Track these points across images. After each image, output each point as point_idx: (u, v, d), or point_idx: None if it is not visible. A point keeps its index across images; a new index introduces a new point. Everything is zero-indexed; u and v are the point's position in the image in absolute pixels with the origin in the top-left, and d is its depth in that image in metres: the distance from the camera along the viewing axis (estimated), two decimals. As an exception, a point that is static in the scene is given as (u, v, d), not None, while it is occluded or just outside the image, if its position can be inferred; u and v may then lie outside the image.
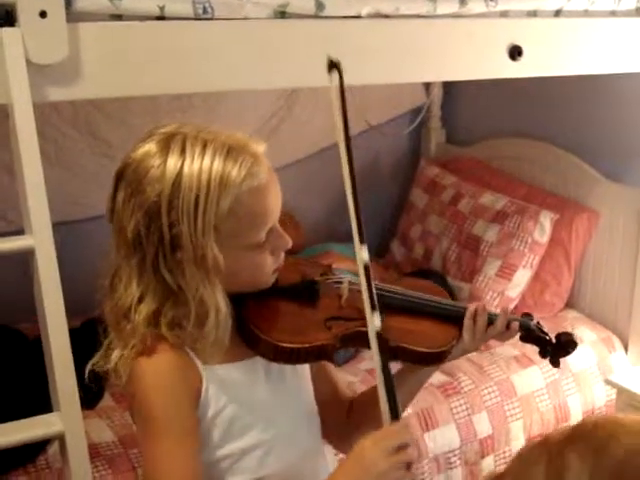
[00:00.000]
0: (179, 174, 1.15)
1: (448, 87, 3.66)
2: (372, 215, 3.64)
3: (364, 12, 1.82)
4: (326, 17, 1.77)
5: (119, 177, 1.22)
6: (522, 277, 2.94)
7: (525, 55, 2.05)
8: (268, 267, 1.26)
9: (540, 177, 3.18)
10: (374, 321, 1.22)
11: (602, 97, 2.92)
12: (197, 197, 1.15)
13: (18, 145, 1.44)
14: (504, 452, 2.62)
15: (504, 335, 1.43)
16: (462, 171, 3.39)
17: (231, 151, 1.18)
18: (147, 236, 1.17)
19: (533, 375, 2.71)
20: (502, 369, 2.69)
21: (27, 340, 2.53)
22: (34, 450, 2.12)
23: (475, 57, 2.04)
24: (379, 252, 3.55)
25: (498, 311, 1.44)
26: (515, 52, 2.05)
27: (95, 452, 2.12)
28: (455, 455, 2.51)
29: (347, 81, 2.00)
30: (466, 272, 3.05)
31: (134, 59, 1.59)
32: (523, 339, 1.47)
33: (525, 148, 3.26)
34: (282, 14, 1.73)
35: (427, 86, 3.65)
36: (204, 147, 1.17)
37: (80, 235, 2.89)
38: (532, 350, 2.69)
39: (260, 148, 1.24)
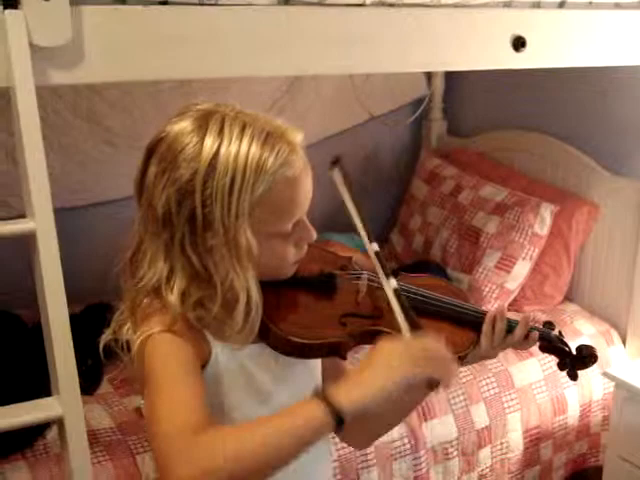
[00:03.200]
0: (215, 155, 1.14)
1: (450, 79, 3.66)
2: (372, 206, 3.64)
3: (368, 0, 1.81)
4: (330, 4, 1.76)
5: (151, 150, 1.20)
6: (521, 269, 2.94)
7: (529, 46, 2.04)
8: (290, 258, 1.25)
9: (541, 169, 3.18)
10: (391, 284, 1.24)
11: (604, 90, 2.92)
12: (232, 181, 1.14)
13: (20, 128, 1.43)
14: (501, 443, 2.63)
15: (523, 344, 1.40)
16: (463, 163, 3.39)
17: (269, 137, 1.17)
18: (177, 214, 1.16)
19: (531, 367, 2.72)
20: (500, 361, 2.69)
21: (26, 326, 2.53)
22: (32, 435, 2.13)
23: (478, 47, 2.03)
24: (379, 243, 3.53)
25: (518, 318, 1.40)
26: (519, 43, 2.04)
27: (93, 438, 2.12)
28: (452, 446, 2.52)
29: (350, 68, 2.01)
30: (465, 263, 3.05)
31: (137, 44, 1.58)
32: (542, 349, 1.44)
33: (526, 140, 3.26)
34: (286, 1, 1.72)
35: (429, 77, 3.65)
36: (242, 130, 1.16)
37: (79, 222, 2.89)
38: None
39: (298, 137, 1.22)
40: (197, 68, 1.69)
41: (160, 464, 1.06)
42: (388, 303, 1.30)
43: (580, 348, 1.44)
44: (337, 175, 1.31)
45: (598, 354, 1.45)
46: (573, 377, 1.44)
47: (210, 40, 1.65)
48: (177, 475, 1.03)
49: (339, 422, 1.07)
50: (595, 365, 2.70)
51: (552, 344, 1.43)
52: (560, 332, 1.46)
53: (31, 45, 1.44)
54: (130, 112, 2.90)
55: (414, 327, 1.21)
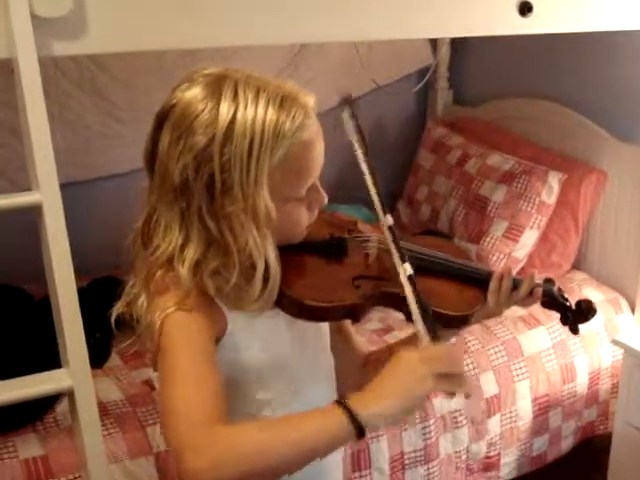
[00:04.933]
0: (232, 121, 1.13)
1: (455, 47, 3.63)
2: (378, 177, 3.63)
3: (372, -34, 1.79)
4: (334, -30, 1.75)
5: (162, 119, 1.18)
6: (529, 238, 2.93)
7: (535, 11, 2.01)
8: (303, 222, 1.25)
9: (548, 137, 3.16)
10: (406, 270, 1.22)
11: (612, 55, 2.89)
12: (251, 145, 1.13)
13: (24, 99, 1.42)
14: (510, 412, 2.63)
15: (527, 301, 1.42)
16: (469, 132, 3.37)
17: (284, 101, 1.17)
18: (195, 180, 1.15)
19: (540, 335, 2.72)
20: (509, 329, 2.70)
21: (33, 300, 2.54)
22: (42, 408, 2.14)
23: (484, 13, 2.01)
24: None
25: (522, 277, 1.43)
26: (525, 8, 2.01)
27: (103, 411, 2.13)
28: (461, 414, 2.52)
29: (353, 36, 1.98)
30: (473, 233, 3.04)
31: (140, 13, 1.56)
32: (545, 305, 1.47)
33: (533, 108, 3.23)
34: (289, -32, 1.70)
35: (434, 46, 3.62)
36: (257, 94, 1.15)
37: (83, 197, 2.87)
38: (539, 310, 2.71)
39: (310, 101, 1.22)
40: (200, 37, 1.67)
41: (176, 456, 1.05)
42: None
43: (579, 302, 1.47)
44: (347, 121, 1.31)
45: (597, 307, 1.49)
46: (575, 331, 1.48)
47: (212, 9, 1.63)
48: (194, 467, 1.02)
49: (360, 433, 1.07)
50: (603, 331, 2.75)
51: (554, 299, 1.46)
52: (560, 288, 1.49)
53: (33, 16, 1.42)
54: (134, 85, 2.89)
55: (431, 330, 1.18)
